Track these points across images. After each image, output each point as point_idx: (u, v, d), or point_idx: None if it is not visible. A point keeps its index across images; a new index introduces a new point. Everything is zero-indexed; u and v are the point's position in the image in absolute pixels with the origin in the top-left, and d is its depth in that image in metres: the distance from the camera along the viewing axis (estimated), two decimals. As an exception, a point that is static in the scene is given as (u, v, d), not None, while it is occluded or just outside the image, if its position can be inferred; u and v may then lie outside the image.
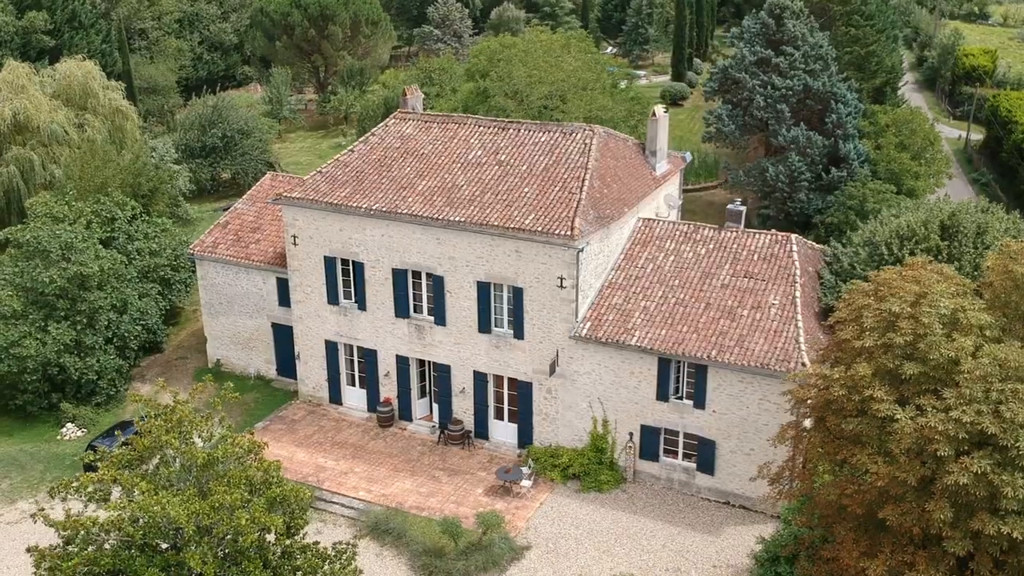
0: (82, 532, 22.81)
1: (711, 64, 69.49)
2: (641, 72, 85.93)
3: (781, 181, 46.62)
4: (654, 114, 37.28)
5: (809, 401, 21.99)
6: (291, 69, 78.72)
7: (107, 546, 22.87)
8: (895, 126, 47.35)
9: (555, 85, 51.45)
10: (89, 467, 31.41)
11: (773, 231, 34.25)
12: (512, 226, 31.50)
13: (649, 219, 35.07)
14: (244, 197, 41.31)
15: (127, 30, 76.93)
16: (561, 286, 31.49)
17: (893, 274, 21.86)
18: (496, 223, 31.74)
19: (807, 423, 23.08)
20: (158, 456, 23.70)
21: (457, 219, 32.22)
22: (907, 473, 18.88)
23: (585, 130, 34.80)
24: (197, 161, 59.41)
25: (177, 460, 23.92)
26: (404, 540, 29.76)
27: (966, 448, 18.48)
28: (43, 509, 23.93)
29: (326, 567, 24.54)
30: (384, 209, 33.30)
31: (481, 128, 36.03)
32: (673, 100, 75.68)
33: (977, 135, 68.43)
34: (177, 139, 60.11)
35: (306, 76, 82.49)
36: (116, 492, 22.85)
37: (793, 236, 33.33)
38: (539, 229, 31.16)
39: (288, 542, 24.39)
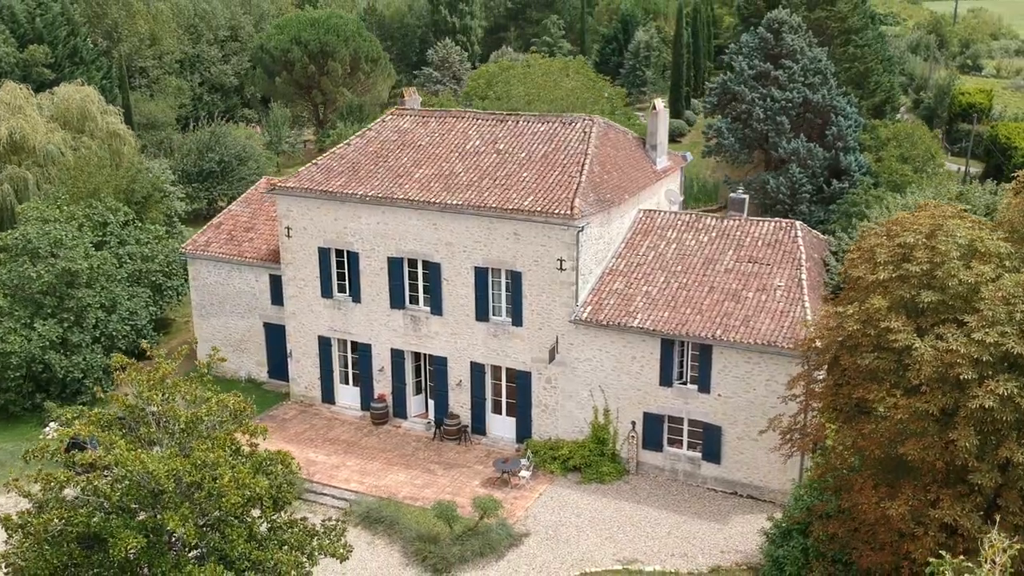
0: (54, 492, 21.70)
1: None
2: (640, 114, 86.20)
3: (782, 193, 46.17)
4: (654, 107, 36.95)
5: (819, 344, 21.02)
6: (291, 109, 78.92)
7: (82, 509, 21.75)
8: (896, 140, 47.10)
9: (554, 104, 51.39)
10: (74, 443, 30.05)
11: (777, 219, 33.61)
12: (510, 207, 30.83)
13: (650, 210, 34.43)
14: (239, 199, 40.76)
15: (128, 68, 77.36)
16: (561, 268, 30.67)
17: (905, 215, 21.12)
18: (494, 205, 31.06)
19: (820, 376, 22.06)
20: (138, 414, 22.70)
21: (454, 202, 31.56)
22: (929, 403, 17.86)
23: (585, 120, 34.40)
24: (194, 186, 58.97)
25: (160, 423, 22.89)
26: (397, 528, 28.40)
27: (990, 373, 17.49)
28: (17, 479, 22.79)
29: (314, 543, 23.31)
30: (380, 195, 32.66)
31: (479, 121, 35.63)
32: (671, 137, 75.68)
33: (976, 168, 68.34)
34: (175, 164, 59.77)
35: (306, 116, 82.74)
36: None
37: (797, 223, 32.67)
38: (538, 209, 30.49)
39: (274, 516, 23.24)
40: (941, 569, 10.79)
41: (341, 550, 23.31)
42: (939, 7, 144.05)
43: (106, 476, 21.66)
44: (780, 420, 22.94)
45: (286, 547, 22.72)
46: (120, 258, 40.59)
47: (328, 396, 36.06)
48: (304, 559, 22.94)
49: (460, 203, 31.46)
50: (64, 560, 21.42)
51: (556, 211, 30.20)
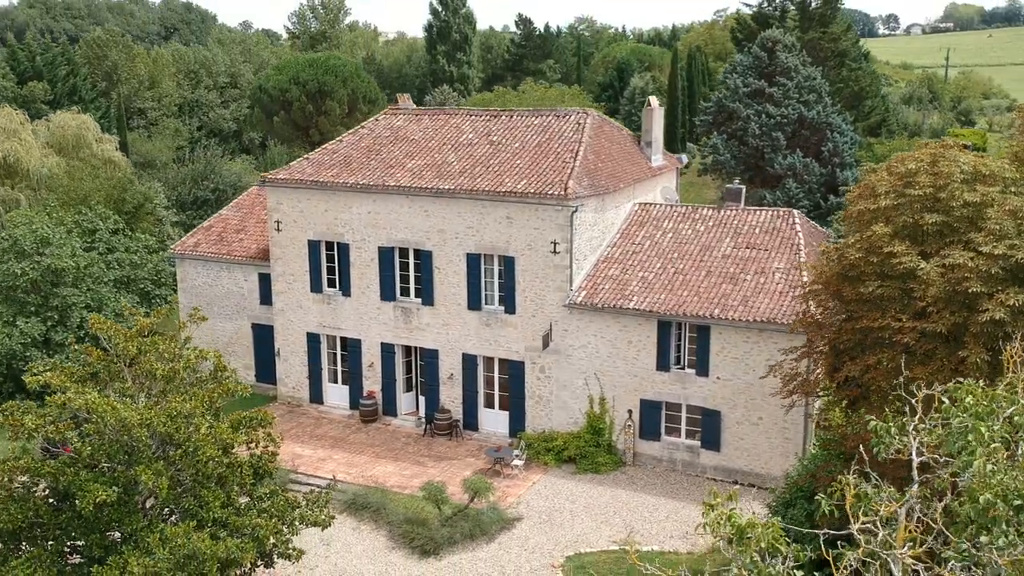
0: (22, 442, 20.75)
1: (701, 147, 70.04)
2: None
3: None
4: (649, 104, 36.76)
5: (818, 287, 20.30)
6: (288, 151, 79.14)
7: (50, 462, 20.81)
8: (893, 156, 46.90)
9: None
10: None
11: (775, 208, 33.15)
12: (503, 190, 30.34)
13: (645, 203, 33.97)
14: (230, 204, 40.34)
15: (126, 108, 77.78)
16: (555, 251, 30.05)
17: (905, 153, 20.63)
18: (487, 188, 30.59)
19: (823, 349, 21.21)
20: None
21: (446, 187, 31.10)
22: (937, 323, 17.08)
23: (579, 112, 34.20)
24: (188, 213, 58.63)
25: (136, 380, 22.06)
26: (383, 514, 27.15)
27: (1000, 288, 16.77)
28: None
29: (296, 513, 22.27)
30: (371, 183, 32.21)
31: (473, 116, 35.42)
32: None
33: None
34: (169, 192, 59.49)
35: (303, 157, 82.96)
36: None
37: (795, 211, 32.20)
38: (532, 191, 30.00)
39: (252, 483, 22.29)
40: (959, 393, 9.95)
41: (323, 517, 22.33)
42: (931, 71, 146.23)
43: (76, 430, 20.80)
44: (781, 366, 22.09)
45: (265, 515, 21.66)
46: (108, 264, 39.94)
47: (316, 396, 35.06)
48: (284, 528, 21.85)
49: (452, 188, 30.99)
50: (30, 517, 20.39)
51: (550, 192, 29.72)
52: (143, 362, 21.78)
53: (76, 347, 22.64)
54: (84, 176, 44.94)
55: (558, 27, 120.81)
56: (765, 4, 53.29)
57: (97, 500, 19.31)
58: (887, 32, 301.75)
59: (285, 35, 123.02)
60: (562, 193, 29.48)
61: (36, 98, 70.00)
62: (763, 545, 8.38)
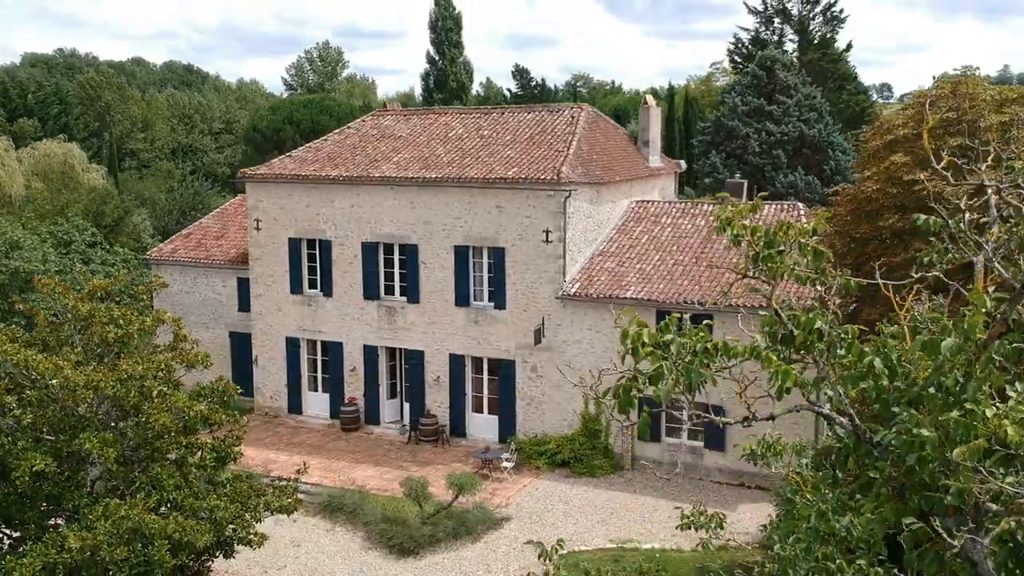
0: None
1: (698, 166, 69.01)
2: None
3: (781, 227, 44.28)
4: (645, 102, 35.50)
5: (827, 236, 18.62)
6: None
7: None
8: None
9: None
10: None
11: (778, 201, 31.65)
12: (493, 177, 28.81)
13: (643, 201, 32.43)
14: (211, 213, 38.88)
15: (119, 149, 76.97)
16: (547, 240, 28.39)
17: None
18: (476, 176, 29.06)
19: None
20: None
21: (433, 176, 29.58)
22: (968, 248, 15.32)
23: (572, 107, 32.94)
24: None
25: (86, 347, 20.29)
26: (360, 515, 24.93)
27: (1035, 208, 15.06)
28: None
29: (260, 501, 20.31)
30: (355, 175, 30.70)
31: (463, 115, 34.14)
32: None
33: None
34: (156, 221, 58.11)
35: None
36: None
37: (799, 203, 30.67)
38: (523, 177, 28.47)
39: (213, 466, 20.43)
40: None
41: (288, 503, 20.39)
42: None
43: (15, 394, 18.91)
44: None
45: (226, 499, 19.66)
46: (83, 275, 38.21)
47: (295, 405, 32.99)
48: (246, 514, 19.82)
49: (440, 176, 29.47)
50: (-41, 492, 18.37)
51: (542, 178, 28.19)
52: (95, 324, 20.01)
53: (20, 306, 20.90)
54: (61, 188, 43.47)
55: (555, 85, 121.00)
56: (763, 28, 52.65)
57: (34, 469, 17.42)
58: (881, 101, 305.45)
59: (285, 93, 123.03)
60: (555, 178, 27.95)
61: (26, 134, 69.12)
62: (802, 240, 6.65)
